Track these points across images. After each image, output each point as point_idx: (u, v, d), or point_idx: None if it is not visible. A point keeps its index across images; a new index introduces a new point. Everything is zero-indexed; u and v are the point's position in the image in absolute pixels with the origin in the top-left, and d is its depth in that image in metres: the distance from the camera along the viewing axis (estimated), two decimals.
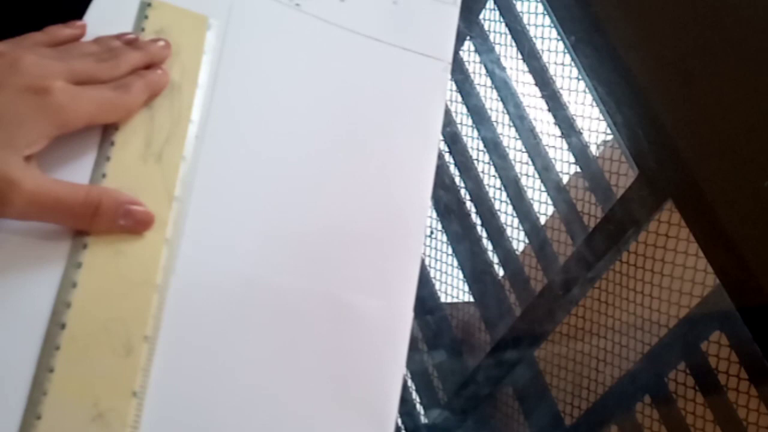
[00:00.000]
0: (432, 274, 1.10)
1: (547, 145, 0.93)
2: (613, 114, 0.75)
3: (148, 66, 0.42)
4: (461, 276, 1.05)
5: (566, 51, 0.83)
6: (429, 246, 1.09)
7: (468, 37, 1.01)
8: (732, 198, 0.65)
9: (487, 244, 1.02)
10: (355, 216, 0.45)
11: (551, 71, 0.91)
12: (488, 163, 1.01)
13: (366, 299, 0.42)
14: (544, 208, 0.95)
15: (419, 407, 1.07)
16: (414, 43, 0.51)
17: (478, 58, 1.01)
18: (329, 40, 0.49)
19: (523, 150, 0.95)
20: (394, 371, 0.41)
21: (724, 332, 0.75)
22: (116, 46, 0.42)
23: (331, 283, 0.42)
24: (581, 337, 0.92)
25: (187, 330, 0.38)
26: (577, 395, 0.92)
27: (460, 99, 1.04)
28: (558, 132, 0.91)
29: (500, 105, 0.98)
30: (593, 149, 0.89)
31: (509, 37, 0.95)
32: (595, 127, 0.88)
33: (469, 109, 1.03)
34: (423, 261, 1.09)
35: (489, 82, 1.00)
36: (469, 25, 1.00)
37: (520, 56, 0.94)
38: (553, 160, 0.93)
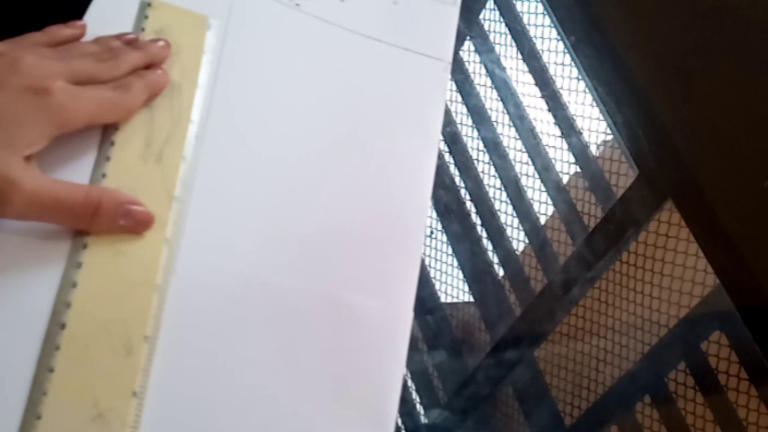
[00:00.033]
0: (432, 274, 1.10)
1: (547, 145, 0.93)
2: (613, 114, 0.75)
3: (148, 66, 0.42)
4: (461, 276, 1.05)
5: (566, 51, 0.83)
6: (429, 246, 1.09)
7: (468, 37, 1.01)
8: (732, 198, 0.65)
9: (487, 244, 1.02)
10: (355, 216, 0.45)
11: (551, 71, 0.91)
12: (488, 163, 1.01)
13: (366, 299, 0.42)
14: (544, 208, 0.95)
15: (419, 407, 1.07)
16: (414, 43, 0.51)
17: (478, 58, 1.01)
18: (329, 40, 0.49)
19: (523, 150, 0.95)
20: (394, 371, 0.41)
21: (724, 332, 0.75)
22: (116, 46, 0.42)
23: (331, 283, 0.42)
24: (581, 337, 0.92)
25: (187, 330, 0.38)
26: (577, 395, 0.92)
27: (460, 99, 1.04)
28: (558, 132, 0.91)
29: (500, 105, 0.98)
30: (593, 149, 0.89)
31: (509, 37, 0.95)
32: (595, 127, 0.88)
33: (469, 109, 1.03)
34: (423, 261, 1.09)
35: (489, 82, 1.00)
36: (469, 25, 1.00)
37: (520, 56, 0.94)
38: (553, 160, 0.93)
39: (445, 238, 1.07)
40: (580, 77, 0.85)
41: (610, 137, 0.86)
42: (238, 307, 0.39)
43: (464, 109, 1.04)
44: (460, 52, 1.03)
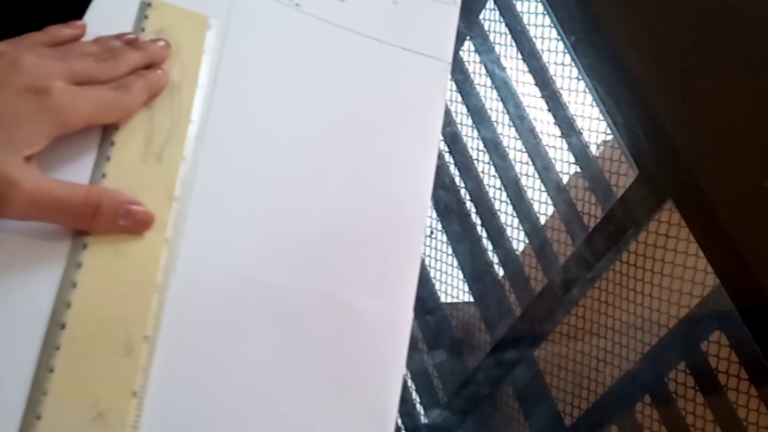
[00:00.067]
0: (432, 274, 1.10)
1: (547, 145, 0.93)
2: (613, 114, 0.75)
3: (148, 66, 0.42)
4: (461, 276, 1.05)
5: (566, 51, 0.83)
6: (429, 246, 1.09)
7: (468, 37, 1.01)
8: (732, 198, 0.65)
9: (487, 244, 1.02)
10: (355, 216, 0.45)
11: (551, 71, 0.91)
12: (488, 163, 1.01)
13: (366, 299, 0.42)
14: (544, 208, 0.95)
15: (419, 407, 1.07)
16: (414, 43, 0.51)
17: (478, 58, 1.01)
18: (329, 40, 0.49)
19: (523, 150, 0.95)
20: (394, 371, 0.41)
21: (724, 332, 0.75)
22: (116, 46, 0.42)
23: (331, 283, 0.42)
24: (581, 337, 0.92)
25: (187, 330, 0.38)
26: (577, 395, 0.92)
27: (460, 99, 1.04)
28: (558, 132, 0.91)
29: (500, 105, 0.98)
30: (593, 149, 0.89)
31: (509, 37, 0.95)
32: (595, 127, 0.88)
33: (469, 109, 1.03)
34: (423, 261, 1.09)
35: (489, 82, 1.00)
36: (469, 25, 1.00)
37: (520, 56, 0.94)
38: (553, 160, 0.93)
39: (445, 238, 1.07)
40: (580, 77, 0.85)
41: (610, 137, 0.86)
42: (238, 307, 0.39)
43: (464, 109, 1.04)
44: (460, 52, 1.03)
